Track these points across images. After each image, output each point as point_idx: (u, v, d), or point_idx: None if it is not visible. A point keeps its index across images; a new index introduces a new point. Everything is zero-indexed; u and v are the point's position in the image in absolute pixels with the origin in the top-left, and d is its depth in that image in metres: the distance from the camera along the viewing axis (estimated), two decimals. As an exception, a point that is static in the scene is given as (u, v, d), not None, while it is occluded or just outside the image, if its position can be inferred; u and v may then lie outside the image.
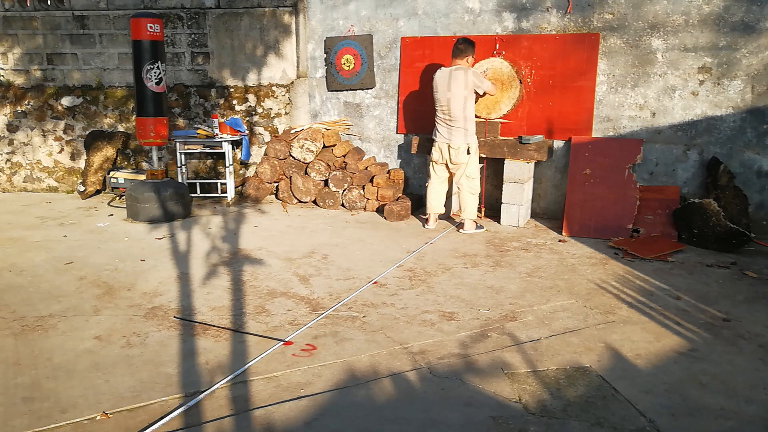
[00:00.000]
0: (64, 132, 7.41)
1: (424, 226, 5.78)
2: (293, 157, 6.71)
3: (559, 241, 5.33)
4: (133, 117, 7.08)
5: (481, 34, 6.18)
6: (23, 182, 7.56)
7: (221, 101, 7.17)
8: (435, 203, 5.73)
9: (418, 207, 6.40)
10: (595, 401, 2.66)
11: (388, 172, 6.60)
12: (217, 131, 6.78)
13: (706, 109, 5.56)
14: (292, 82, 7.10)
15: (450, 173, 5.68)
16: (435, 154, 5.62)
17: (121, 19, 7.12)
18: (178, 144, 6.78)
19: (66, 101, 7.34)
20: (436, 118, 5.55)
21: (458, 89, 5.34)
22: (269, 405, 2.61)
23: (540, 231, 5.69)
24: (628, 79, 5.76)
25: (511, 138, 5.99)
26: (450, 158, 5.52)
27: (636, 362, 3.03)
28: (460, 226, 5.66)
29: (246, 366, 2.95)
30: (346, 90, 6.91)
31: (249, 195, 6.81)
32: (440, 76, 5.46)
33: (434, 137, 5.61)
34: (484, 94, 5.58)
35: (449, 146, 5.48)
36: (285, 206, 6.60)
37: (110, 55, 7.27)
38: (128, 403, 2.63)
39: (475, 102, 5.58)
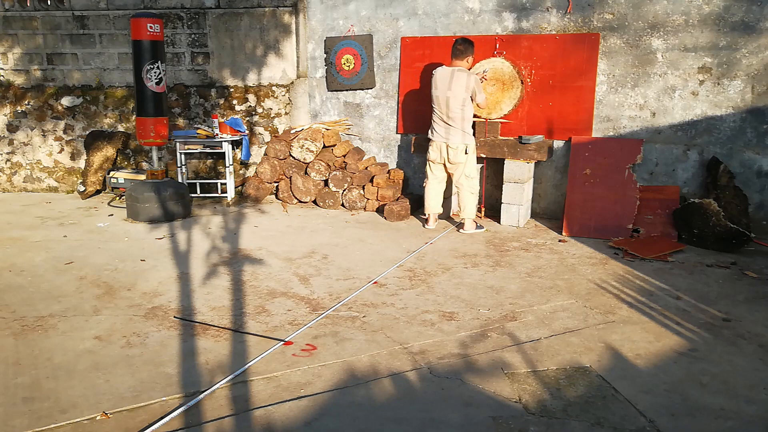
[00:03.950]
0: (64, 132, 7.41)
1: (424, 226, 5.78)
2: (293, 157, 6.71)
3: (559, 241, 5.33)
4: (133, 117, 7.08)
5: (481, 34, 6.18)
6: (23, 182, 7.56)
7: (221, 101, 7.17)
8: (434, 203, 5.72)
9: (418, 207, 6.39)
10: (595, 401, 2.66)
11: (388, 172, 6.60)
12: (217, 131, 6.78)
13: (706, 109, 5.56)
14: (292, 82, 7.10)
15: (448, 173, 5.68)
16: (432, 153, 5.60)
17: (121, 19, 7.12)
18: (178, 144, 6.78)
19: (66, 101, 7.34)
20: (433, 116, 5.53)
21: (459, 89, 5.32)
22: (269, 405, 2.61)
23: (540, 231, 5.69)
24: (628, 79, 5.76)
25: (511, 138, 5.99)
26: (448, 158, 5.51)
27: (636, 362, 3.03)
28: (460, 226, 5.66)
29: (246, 366, 2.95)
30: (346, 90, 6.91)
31: (249, 195, 6.81)
32: (441, 75, 5.43)
33: (431, 136, 5.58)
34: (477, 104, 5.53)
35: (447, 146, 5.48)
36: (285, 206, 6.60)
37: (110, 55, 7.27)
38: (128, 403, 2.63)
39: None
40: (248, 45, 7.04)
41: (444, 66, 5.53)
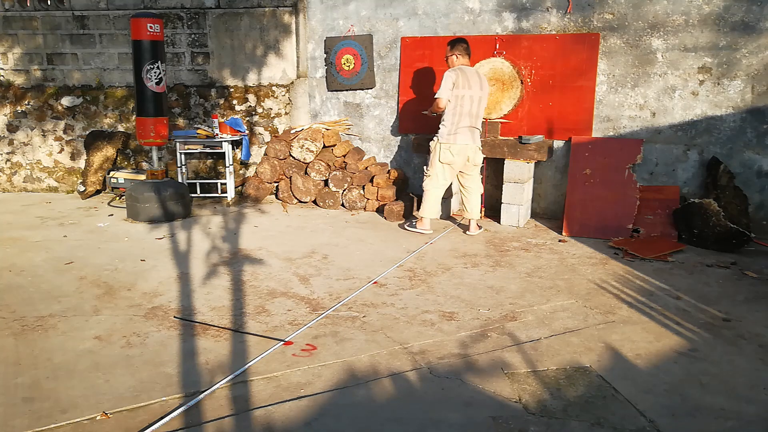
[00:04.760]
0: (64, 132, 7.41)
1: (422, 231, 5.48)
2: (293, 157, 6.71)
3: (559, 241, 5.33)
4: (133, 117, 7.09)
5: (481, 34, 6.18)
6: (23, 182, 7.56)
7: (221, 101, 7.17)
8: (437, 209, 5.51)
9: (418, 207, 6.37)
10: (595, 401, 2.66)
11: (388, 172, 6.60)
12: (217, 131, 6.78)
13: (706, 109, 5.56)
14: (292, 82, 7.10)
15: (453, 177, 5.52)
16: (457, 157, 5.26)
17: (121, 19, 7.12)
18: (178, 144, 6.78)
19: (66, 101, 7.34)
20: (456, 117, 5.18)
21: (485, 90, 5.26)
22: (269, 405, 2.61)
23: (540, 231, 5.69)
24: (628, 79, 5.76)
25: (511, 138, 5.99)
26: (473, 160, 5.34)
27: (636, 362, 3.03)
28: (466, 228, 5.61)
29: (246, 366, 2.95)
30: (346, 90, 6.91)
31: (249, 195, 6.81)
32: (470, 74, 5.18)
33: (453, 141, 5.22)
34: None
35: (476, 148, 5.32)
36: (285, 206, 6.60)
37: (110, 55, 7.27)
38: (128, 403, 2.63)
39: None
40: (248, 45, 7.04)
41: (464, 66, 5.26)
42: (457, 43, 5.34)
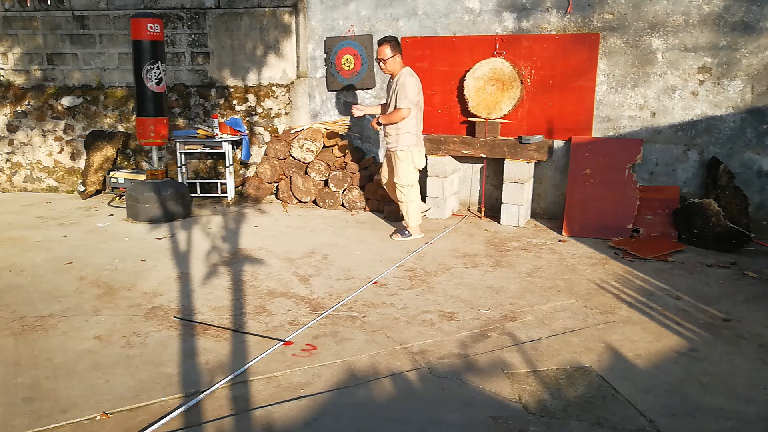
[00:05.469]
0: (64, 132, 7.41)
1: (417, 237, 5.34)
2: (293, 157, 6.71)
3: (559, 241, 5.33)
4: (133, 117, 7.09)
5: (481, 34, 6.18)
6: (23, 182, 7.56)
7: (221, 101, 7.17)
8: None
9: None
10: (595, 401, 2.66)
11: (388, 172, 6.59)
12: (217, 131, 6.79)
13: (706, 109, 5.56)
14: (292, 82, 7.10)
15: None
16: (423, 160, 5.38)
17: (121, 19, 7.12)
18: (178, 144, 6.78)
19: (66, 101, 7.34)
20: (418, 124, 5.18)
21: None
22: (269, 405, 2.61)
23: (540, 231, 5.69)
24: (628, 79, 5.76)
25: (511, 138, 5.99)
26: None
27: (636, 362, 3.03)
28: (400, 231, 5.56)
29: (246, 366, 2.95)
30: (346, 90, 6.91)
31: (249, 195, 6.81)
32: (416, 75, 5.19)
33: (417, 144, 5.22)
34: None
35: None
36: (285, 206, 6.60)
37: (110, 55, 7.27)
38: (128, 403, 2.63)
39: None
40: (248, 45, 7.04)
41: (410, 68, 5.20)
42: (395, 41, 5.15)
